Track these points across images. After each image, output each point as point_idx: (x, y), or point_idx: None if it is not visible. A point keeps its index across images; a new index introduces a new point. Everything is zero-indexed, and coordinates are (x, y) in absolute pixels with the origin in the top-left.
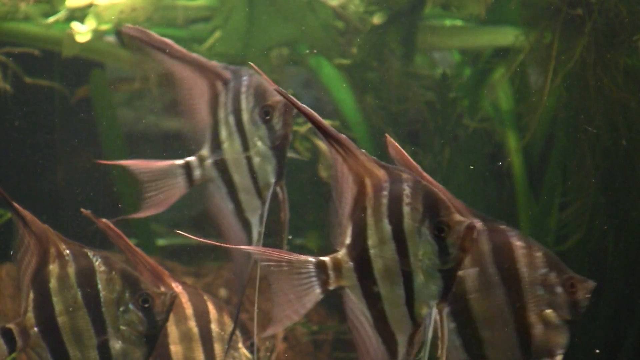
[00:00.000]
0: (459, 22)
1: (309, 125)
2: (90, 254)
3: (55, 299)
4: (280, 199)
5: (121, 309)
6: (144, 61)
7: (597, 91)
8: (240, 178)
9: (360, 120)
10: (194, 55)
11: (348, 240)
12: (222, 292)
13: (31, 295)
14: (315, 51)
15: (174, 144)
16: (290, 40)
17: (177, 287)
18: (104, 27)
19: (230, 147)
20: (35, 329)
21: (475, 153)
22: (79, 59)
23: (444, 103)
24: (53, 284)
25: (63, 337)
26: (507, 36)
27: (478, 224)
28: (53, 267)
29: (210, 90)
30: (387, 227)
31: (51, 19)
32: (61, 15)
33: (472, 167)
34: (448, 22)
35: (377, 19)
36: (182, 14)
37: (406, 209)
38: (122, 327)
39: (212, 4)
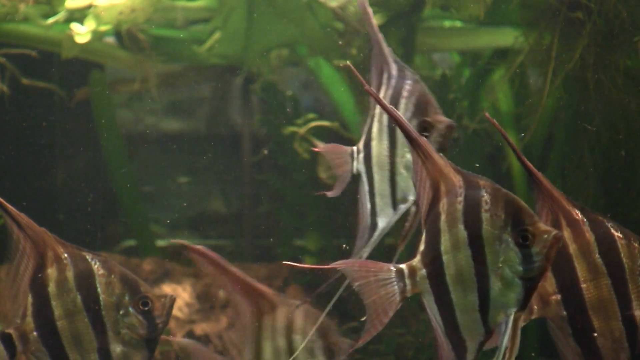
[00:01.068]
0: (458, 23)
1: (309, 126)
2: (88, 257)
3: (54, 303)
4: (411, 212)
5: (121, 312)
6: (144, 62)
7: (597, 92)
8: (380, 181)
9: (360, 121)
10: (380, 36)
11: (422, 247)
12: (222, 294)
13: (30, 300)
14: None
15: (173, 145)
16: (290, 42)
17: (291, 305)
18: (104, 28)
19: (378, 147)
20: (35, 333)
21: (475, 154)
22: (78, 60)
23: (443, 104)
24: (52, 288)
25: (63, 341)
26: (506, 37)
27: (578, 215)
28: (51, 271)
29: (377, 80)
30: (462, 232)
31: (51, 20)
32: (61, 16)
33: (477, 165)
34: (447, 23)
35: (376, 20)
36: (181, 15)
37: (485, 215)
38: (123, 331)
39: (212, 5)
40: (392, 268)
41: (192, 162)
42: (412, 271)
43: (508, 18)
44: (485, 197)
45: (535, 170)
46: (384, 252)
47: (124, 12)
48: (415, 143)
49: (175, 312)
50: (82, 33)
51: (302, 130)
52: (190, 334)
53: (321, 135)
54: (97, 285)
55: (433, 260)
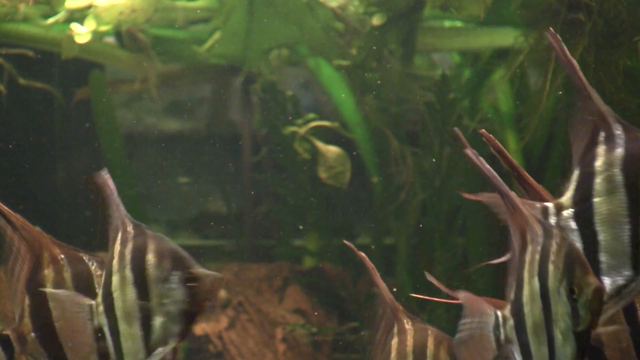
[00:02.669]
0: (458, 23)
1: (309, 126)
2: (85, 258)
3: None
4: None
5: None
6: (144, 62)
7: (597, 92)
8: (612, 237)
9: (360, 121)
10: (589, 88)
11: (511, 295)
12: (222, 294)
13: (27, 301)
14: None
15: (173, 145)
16: (290, 41)
17: (407, 324)
18: (104, 28)
19: (608, 205)
20: (33, 334)
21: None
22: (78, 60)
23: (443, 104)
24: (49, 289)
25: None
26: (506, 37)
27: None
28: (48, 272)
29: (590, 134)
30: (537, 284)
31: (51, 20)
32: (61, 16)
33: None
34: (447, 23)
35: (376, 20)
36: (181, 15)
37: (551, 267)
38: None
39: (212, 5)
40: (491, 312)
41: (192, 162)
42: (505, 319)
43: (508, 18)
44: (554, 247)
45: (535, 183)
46: (383, 251)
47: (124, 12)
48: (504, 195)
49: None
50: (82, 33)
51: (302, 130)
52: (190, 334)
53: (321, 135)
54: (96, 286)
55: (518, 311)
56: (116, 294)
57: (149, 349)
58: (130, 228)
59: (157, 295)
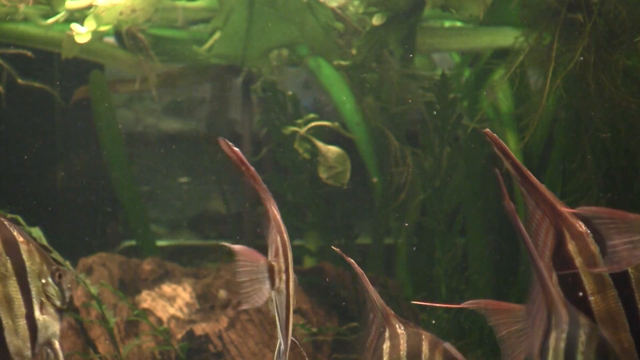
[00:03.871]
0: (458, 23)
1: (309, 126)
2: (6, 223)
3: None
4: None
5: (43, 281)
6: (144, 62)
7: (597, 92)
8: None
9: (360, 121)
10: None
11: None
12: (222, 294)
13: None
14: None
15: (173, 145)
16: (290, 42)
17: (400, 329)
18: (104, 28)
19: None
20: None
21: (474, 153)
22: (78, 60)
23: (443, 104)
24: None
25: None
26: (506, 37)
27: (582, 227)
28: None
29: None
30: None
31: (51, 20)
32: (61, 16)
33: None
34: (447, 24)
35: (376, 20)
36: (181, 15)
37: (580, 358)
38: (44, 300)
39: (212, 5)
40: None
41: (192, 162)
42: None
43: (508, 18)
44: (582, 337)
45: (538, 182)
46: (383, 251)
47: (124, 12)
48: (535, 266)
49: (176, 312)
50: (82, 33)
51: (302, 130)
52: (190, 334)
53: (321, 135)
54: (22, 252)
55: None
56: None
57: None
58: None
59: None
